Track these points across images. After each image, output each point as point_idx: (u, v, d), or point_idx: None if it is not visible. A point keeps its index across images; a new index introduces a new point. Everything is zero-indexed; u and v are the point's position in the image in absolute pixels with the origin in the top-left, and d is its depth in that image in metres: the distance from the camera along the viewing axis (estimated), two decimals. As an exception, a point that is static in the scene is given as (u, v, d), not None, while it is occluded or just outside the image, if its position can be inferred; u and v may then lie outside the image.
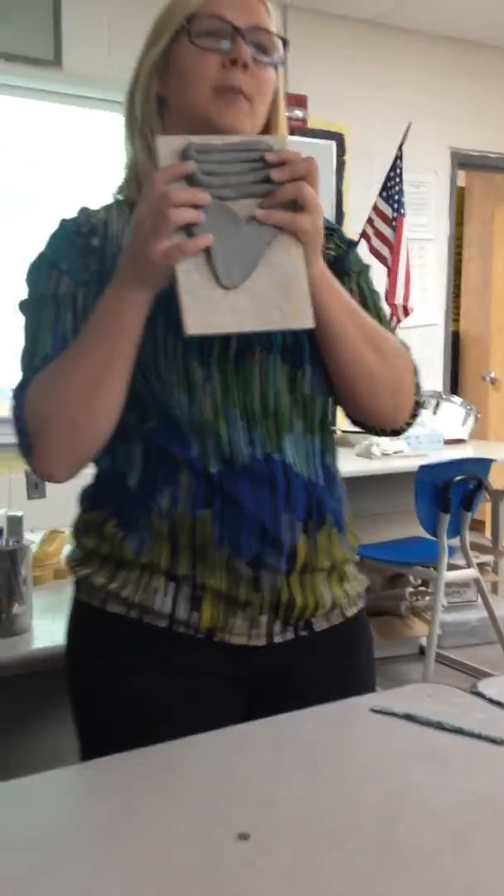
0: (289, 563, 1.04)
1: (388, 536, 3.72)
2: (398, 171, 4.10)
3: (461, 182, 5.55)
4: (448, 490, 3.13)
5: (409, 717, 0.98)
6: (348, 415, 1.16)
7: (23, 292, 1.10)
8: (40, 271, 1.07)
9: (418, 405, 1.15)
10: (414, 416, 1.16)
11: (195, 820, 0.77)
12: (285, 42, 1.07)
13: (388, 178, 4.10)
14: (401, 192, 4.12)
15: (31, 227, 3.72)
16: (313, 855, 0.72)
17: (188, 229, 0.90)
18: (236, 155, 0.93)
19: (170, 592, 1.03)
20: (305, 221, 0.93)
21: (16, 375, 1.05)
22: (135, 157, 1.11)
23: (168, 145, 0.92)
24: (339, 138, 4.37)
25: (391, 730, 0.96)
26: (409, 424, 1.16)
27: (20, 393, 1.02)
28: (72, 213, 1.11)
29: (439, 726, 0.96)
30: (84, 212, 1.10)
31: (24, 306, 1.08)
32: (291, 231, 0.93)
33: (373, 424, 1.16)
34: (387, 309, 3.55)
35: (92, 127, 3.80)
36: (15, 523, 1.47)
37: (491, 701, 1.03)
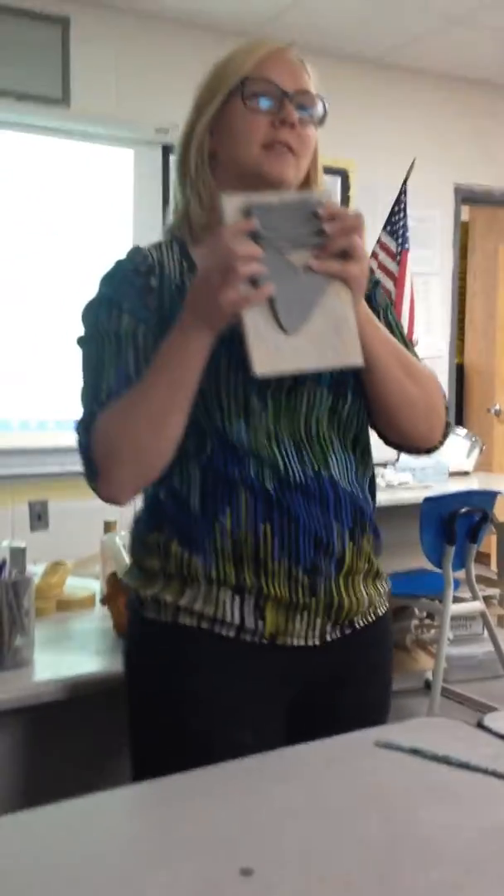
0: (338, 568, 1.16)
1: (392, 568, 3.68)
2: (402, 206, 4.14)
3: (465, 217, 5.61)
4: (453, 522, 3.12)
5: (414, 752, 0.97)
6: (386, 438, 1.27)
7: (80, 329, 1.20)
8: (100, 309, 1.17)
9: (448, 425, 1.27)
10: (445, 434, 1.27)
11: (198, 854, 0.76)
12: (325, 103, 1.19)
13: (393, 213, 4.14)
14: (405, 226, 4.15)
15: (39, 260, 3.76)
16: (317, 892, 0.71)
17: (252, 279, 1.00)
18: (291, 211, 1.03)
19: (237, 603, 1.13)
20: (355, 269, 1.04)
21: (67, 408, 1.10)
22: (186, 204, 1.21)
23: (232, 203, 1.02)
24: (343, 174, 4.43)
25: (396, 764, 0.95)
26: (441, 443, 1.27)
27: (88, 425, 1.12)
28: (126, 254, 1.20)
29: (445, 761, 0.95)
30: (139, 252, 1.19)
31: (85, 342, 1.18)
32: (342, 278, 1.04)
33: (409, 445, 1.27)
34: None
35: (99, 163, 3.85)
36: (18, 555, 1.47)
37: (498, 735, 1.02)
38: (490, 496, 3.31)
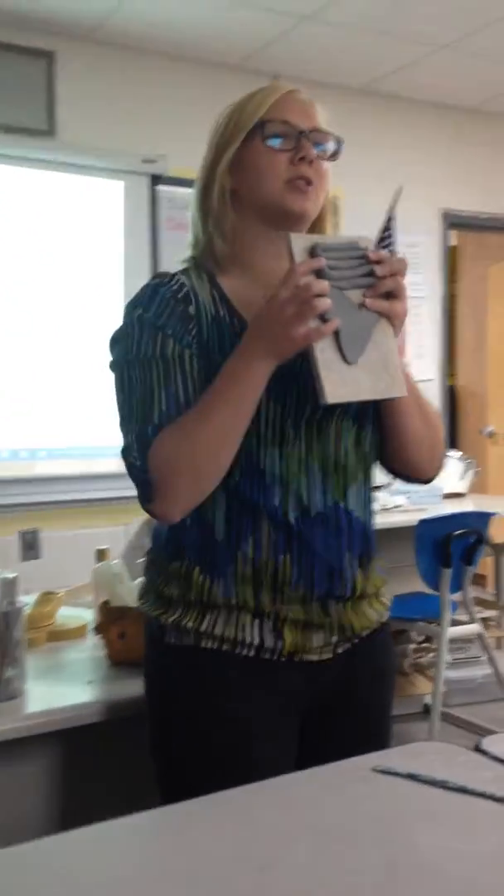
0: (350, 593, 1.23)
1: (389, 592, 3.67)
2: (391, 232, 4.17)
3: (453, 241, 5.65)
4: (448, 544, 3.11)
5: (412, 777, 0.95)
6: (390, 468, 1.33)
7: (114, 353, 1.23)
8: (143, 333, 1.19)
9: (444, 457, 1.35)
10: (441, 467, 1.35)
11: (195, 885, 0.75)
12: (339, 139, 1.27)
13: (382, 239, 4.17)
14: (394, 252, 4.18)
15: (31, 293, 3.77)
16: (314, 924, 0.69)
17: (325, 317, 1.08)
18: (345, 252, 1.12)
19: (255, 626, 1.19)
20: (399, 308, 1.14)
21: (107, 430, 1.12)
22: (208, 238, 1.26)
23: (299, 243, 1.10)
24: (332, 201, 4.46)
25: (394, 790, 0.93)
26: (437, 475, 1.35)
27: (144, 447, 1.14)
28: (157, 279, 1.23)
29: (443, 785, 0.93)
30: (174, 278, 1.23)
31: (127, 366, 1.20)
32: (388, 316, 1.13)
33: (409, 476, 1.34)
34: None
35: (88, 194, 3.88)
36: (9, 585, 1.45)
37: (495, 759, 1.00)
38: (485, 518, 3.30)
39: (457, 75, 4.31)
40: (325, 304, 1.07)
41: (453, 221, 4.84)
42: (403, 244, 4.40)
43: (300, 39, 3.85)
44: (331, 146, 1.27)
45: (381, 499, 3.53)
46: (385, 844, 0.82)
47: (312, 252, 1.09)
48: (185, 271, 1.25)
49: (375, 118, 4.53)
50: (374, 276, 1.11)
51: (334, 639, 1.23)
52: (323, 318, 1.07)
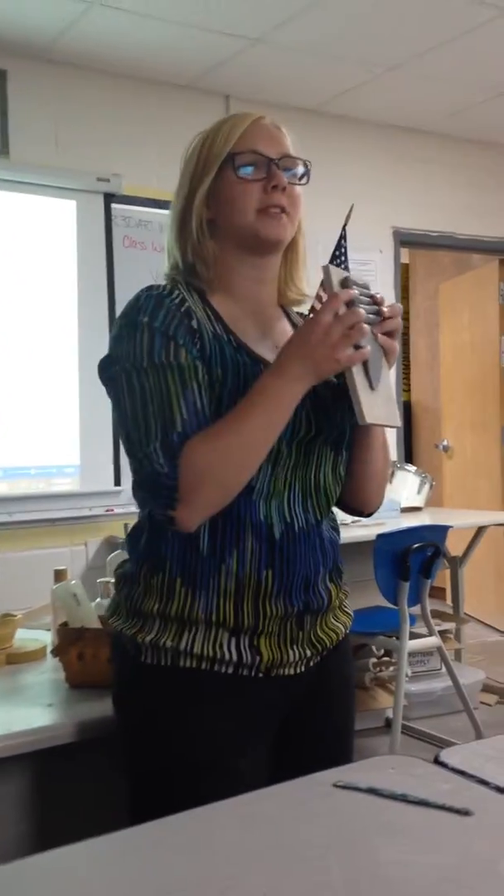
0: (323, 606, 1.27)
1: (350, 603, 3.68)
2: (343, 250, 4.22)
3: (405, 259, 5.74)
4: (407, 558, 3.14)
5: (372, 791, 0.96)
6: (342, 501, 1.37)
7: (116, 360, 1.20)
8: (154, 340, 1.18)
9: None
10: (381, 503, 1.43)
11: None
12: (307, 164, 1.31)
13: (334, 257, 4.21)
14: (347, 269, 4.23)
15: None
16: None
17: (359, 344, 1.16)
18: (362, 290, 1.19)
19: (233, 644, 1.20)
20: (396, 346, 1.24)
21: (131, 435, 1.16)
22: (187, 263, 1.29)
23: (336, 275, 1.18)
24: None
25: (355, 805, 0.94)
26: (375, 510, 1.43)
27: (173, 453, 1.14)
28: (157, 289, 1.24)
29: (403, 799, 0.94)
30: (174, 291, 1.23)
31: (135, 372, 1.18)
32: (388, 352, 1.22)
33: (358, 508, 1.41)
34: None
35: (41, 213, 3.86)
36: (-34, 608, 1.44)
37: (454, 770, 1.02)
38: (442, 531, 3.34)
39: (403, 97, 4.40)
40: (366, 331, 1.14)
41: (404, 239, 4.92)
42: (357, 262, 4.45)
43: (250, 61, 3.90)
44: (300, 170, 1.30)
45: (339, 514, 3.55)
46: (347, 860, 0.82)
47: (344, 284, 1.17)
48: (176, 286, 1.25)
49: (326, 139, 4.59)
50: (379, 314, 1.20)
51: (308, 652, 1.26)
52: (356, 346, 1.15)
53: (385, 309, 1.21)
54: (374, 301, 1.21)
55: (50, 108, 3.87)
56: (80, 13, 3.42)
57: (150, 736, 1.21)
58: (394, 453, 4.82)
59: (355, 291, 1.17)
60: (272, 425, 1.16)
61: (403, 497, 4.09)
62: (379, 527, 3.40)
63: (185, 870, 0.81)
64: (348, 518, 3.67)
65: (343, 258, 4.21)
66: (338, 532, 1.36)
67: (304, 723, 1.30)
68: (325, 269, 1.17)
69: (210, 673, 1.19)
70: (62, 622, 1.66)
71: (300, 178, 1.30)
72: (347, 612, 1.38)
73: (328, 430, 1.27)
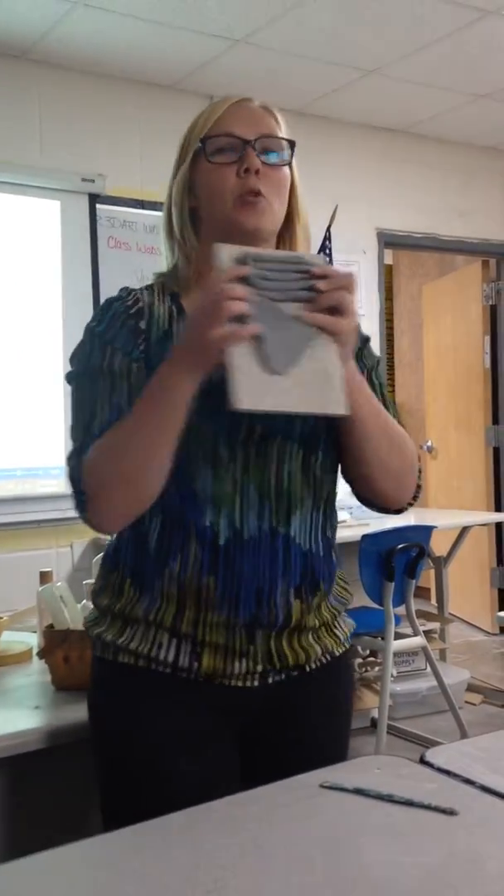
0: (283, 623, 1.18)
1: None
2: (328, 251, 4.23)
3: (389, 260, 5.76)
4: (392, 558, 3.15)
5: (359, 792, 0.96)
6: (359, 495, 1.27)
7: (70, 366, 1.22)
8: (93, 347, 1.19)
9: (419, 487, 1.27)
10: (415, 497, 1.28)
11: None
12: (292, 143, 1.22)
13: (319, 257, 4.23)
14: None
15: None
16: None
17: (242, 322, 1.02)
18: (285, 265, 1.08)
19: (172, 646, 1.16)
20: (343, 324, 1.06)
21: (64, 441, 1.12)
22: (175, 259, 1.25)
23: (226, 252, 1.06)
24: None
25: (342, 805, 0.94)
26: (410, 504, 1.28)
27: (79, 457, 1.13)
28: (118, 293, 1.23)
29: (389, 799, 0.95)
30: (131, 293, 1.22)
31: (77, 378, 1.20)
32: (330, 332, 1.06)
33: (379, 503, 1.27)
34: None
35: (25, 214, 3.85)
36: (-50, 611, 1.43)
37: (440, 770, 1.02)
38: (426, 531, 3.35)
39: (386, 99, 4.41)
40: (238, 306, 1.02)
41: (388, 240, 4.93)
42: (341, 262, 4.46)
43: (233, 62, 3.90)
44: (284, 153, 1.22)
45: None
46: (333, 861, 0.83)
47: (241, 261, 1.06)
48: (149, 287, 1.25)
49: (309, 140, 4.58)
50: (313, 289, 1.06)
51: (259, 668, 1.18)
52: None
53: (321, 283, 1.06)
54: (313, 276, 1.07)
55: (34, 108, 3.86)
56: (63, 13, 3.41)
57: (98, 730, 1.22)
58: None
59: (248, 268, 1.04)
60: (163, 423, 1.08)
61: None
62: (364, 527, 3.41)
63: (171, 871, 0.81)
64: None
65: (328, 259, 4.22)
66: (326, 543, 1.23)
67: (269, 741, 1.22)
68: (215, 248, 1.07)
69: (148, 671, 1.17)
70: (48, 624, 1.66)
71: (283, 160, 1.21)
72: (336, 636, 1.27)
73: (287, 429, 1.17)
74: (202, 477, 1.15)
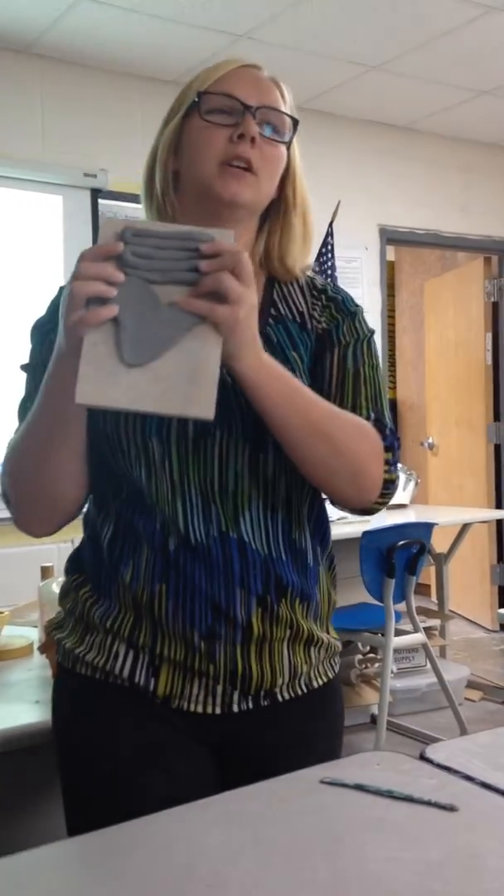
0: (244, 635, 1.07)
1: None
2: (329, 247, 4.23)
3: (391, 256, 5.76)
4: (392, 555, 3.15)
5: (359, 787, 0.96)
6: (328, 497, 1.15)
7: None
8: (34, 338, 1.14)
9: (389, 483, 1.11)
10: (384, 494, 1.12)
11: (142, 908, 0.74)
12: (296, 122, 1.11)
13: (320, 255, 4.22)
14: (333, 267, 4.24)
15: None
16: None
17: (101, 302, 0.91)
18: (173, 242, 0.94)
19: (129, 659, 1.08)
20: (224, 313, 0.91)
21: None
22: None
23: (110, 227, 0.94)
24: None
25: (341, 801, 0.94)
26: (379, 504, 1.12)
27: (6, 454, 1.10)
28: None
29: (389, 795, 0.95)
30: None
31: (24, 369, 1.16)
32: (211, 320, 0.92)
33: (340, 505, 1.14)
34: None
35: (27, 209, 3.85)
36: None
37: (440, 766, 1.02)
38: (427, 528, 3.35)
39: (388, 95, 4.40)
40: (88, 288, 0.90)
41: (390, 237, 4.93)
42: (343, 259, 4.46)
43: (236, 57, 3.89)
44: (286, 131, 1.10)
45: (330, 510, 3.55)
46: (333, 856, 0.83)
47: (122, 237, 0.93)
48: None
49: (311, 135, 4.58)
50: (197, 270, 0.93)
51: (220, 689, 1.07)
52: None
53: (203, 264, 0.92)
54: (200, 255, 0.93)
55: (36, 102, 3.86)
56: (66, 8, 3.41)
57: (60, 742, 1.15)
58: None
59: (119, 246, 0.92)
60: (58, 415, 1.00)
61: (389, 494, 4.09)
62: (364, 524, 3.41)
63: (170, 866, 0.82)
64: (335, 515, 3.69)
65: (330, 255, 4.22)
66: (293, 549, 1.11)
67: (243, 767, 1.09)
68: (101, 222, 1.00)
69: (105, 683, 1.09)
70: (49, 619, 1.66)
71: (282, 137, 1.10)
72: (312, 656, 1.14)
73: (230, 425, 1.05)
74: (139, 477, 1.06)
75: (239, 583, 1.06)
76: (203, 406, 0.91)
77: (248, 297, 0.93)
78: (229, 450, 1.06)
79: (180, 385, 0.91)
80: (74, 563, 1.18)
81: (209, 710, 1.08)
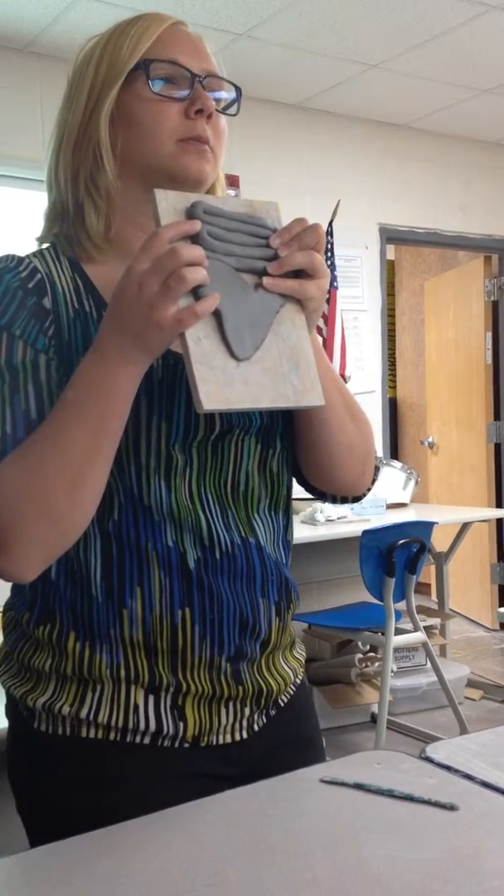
0: (262, 648, 1.02)
1: (334, 603, 3.71)
2: (329, 246, 4.23)
3: (391, 256, 5.76)
4: (392, 554, 3.15)
5: (359, 787, 0.96)
6: (312, 486, 1.09)
7: None
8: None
9: (377, 469, 1.11)
10: (374, 480, 1.10)
11: (141, 908, 0.74)
12: (239, 89, 1.02)
13: (321, 252, 4.22)
14: (333, 266, 4.24)
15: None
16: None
17: (195, 292, 0.82)
18: (241, 222, 0.87)
19: (150, 705, 0.96)
20: (313, 288, 0.88)
21: None
22: (76, 212, 1.00)
23: (169, 200, 0.84)
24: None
25: (341, 800, 0.94)
26: (369, 490, 1.10)
27: None
28: (3, 263, 0.96)
29: (389, 794, 0.94)
30: (22, 262, 0.96)
31: None
32: (298, 299, 0.87)
33: (337, 492, 1.09)
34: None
35: (24, 206, 3.84)
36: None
37: (440, 765, 1.02)
38: (427, 527, 3.35)
39: (389, 94, 4.40)
40: (198, 274, 0.80)
41: (390, 236, 4.93)
42: (343, 258, 4.46)
43: (234, 56, 3.89)
44: (228, 96, 1.01)
45: (325, 510, 3.56)
46: (333, 856, 0.83)
47: (191, 213, 0.84)
48: (38, 253, 0.99)
49: (311, 134, 4.59)
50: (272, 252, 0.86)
51: (247, 711, 1.01)
52: (198, 297, 0.81)
53: (276, 241, 0.86)
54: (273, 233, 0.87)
55: (35, 101, 3.86)
56: (66, 6, 3.40)
57: (55, 818, 0.97)
58: (379, 449, 4.83)
59: (197, 223, 0.82)
60: (100, 429, 0.85)
61: (389, 493, 4.10)
62: (364, 523, 3.42)
63: (170, 865, 0.81)
64: (334, 514, 3.70)
65: (330, 254, 4.21)
66: (287, 549, 1.06)
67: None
68: (156, 194, 0.84)
69: (121, 745, 0.95)
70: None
71: (228, 107, 1.01)
72: (298, 657, 1.11)
73: (244, 422, 0.98)
74: (155, 490, 0.93)
75: (261, 592, 0.99)
76: (314, 393, 0.86)
77: (326, 270, 0.89)
78: (243, 447, 0.99)
79: (287, 374, 0.85)
80: (39, 613, 0.97)
81: (237, 736, 1.01)
